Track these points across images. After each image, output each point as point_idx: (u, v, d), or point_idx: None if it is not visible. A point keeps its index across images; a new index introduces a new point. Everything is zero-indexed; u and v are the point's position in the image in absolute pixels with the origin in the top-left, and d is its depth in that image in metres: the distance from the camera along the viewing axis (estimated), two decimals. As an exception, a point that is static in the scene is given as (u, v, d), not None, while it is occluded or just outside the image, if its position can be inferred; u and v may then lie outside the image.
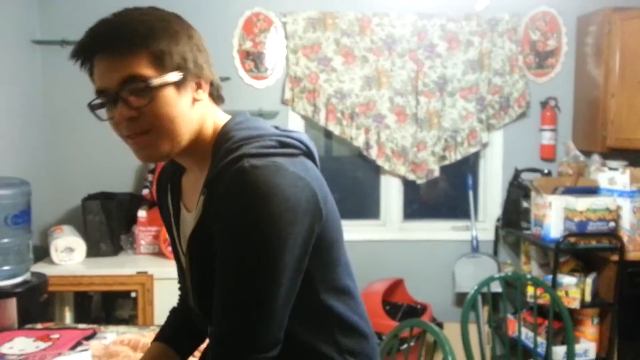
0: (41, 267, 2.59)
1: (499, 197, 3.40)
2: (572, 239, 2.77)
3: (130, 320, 2.87)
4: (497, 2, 3.24)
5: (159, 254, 2.84)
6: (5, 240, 2.17)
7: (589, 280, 2.82)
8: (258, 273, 0.84)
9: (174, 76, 0.91)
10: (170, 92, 0.91)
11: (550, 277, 2.81)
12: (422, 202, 3.56)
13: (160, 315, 2.59)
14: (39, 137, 3.10)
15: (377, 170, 3.42)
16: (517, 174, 3.25)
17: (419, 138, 3.29)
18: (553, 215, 2.85)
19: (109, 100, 0.91)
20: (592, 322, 2.88)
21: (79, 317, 2.81)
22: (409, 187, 3.44)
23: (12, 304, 2.09)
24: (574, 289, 2.77)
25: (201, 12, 3.18)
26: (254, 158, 0.87)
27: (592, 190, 2.94)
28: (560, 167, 3.26)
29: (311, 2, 3.20)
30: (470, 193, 3.41)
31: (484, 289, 2.25)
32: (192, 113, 0.95)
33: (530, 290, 2.75)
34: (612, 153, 3.15)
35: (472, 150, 3.35)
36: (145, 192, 3.00)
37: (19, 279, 2.20)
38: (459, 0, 3.23)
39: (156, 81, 0.89)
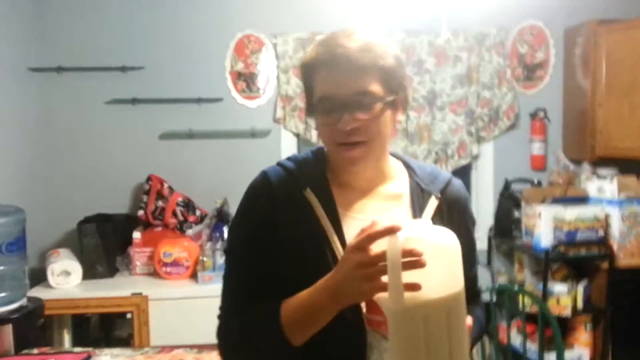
0: (38, 291, 2.63)
1: (491, 207, 3.43)
2: (562, 248, 2.79)
3: (129, 340, 2.90)
4: (484, 17, 3.30)
5: (154, 274, 2.88)
6: (1, 267, 2.21)
7: (580, 288, 2.85)
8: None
9: (393, 97, 1.02)
10: (388, 111, 1.03)
11: (541, 285, 2.84)
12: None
13: (156, 335, 2.62)
14: (35, 162, 3.15)
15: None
16: (507, 184, 3.28)
17: (410, 152, 3.33)
18: (543, 225, 2.87)
19: (339, 108, 0.99)
20: (585, 329, 2.90)
21: (77, 339, 2.84)
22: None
23: (8, 330, 2.13)
24: (565, 296, 2.80)
25: (194, 35, 3.25)
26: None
27: (582, 200, 2.97)
28: (550, 177, 3.30)
29: (301, 24, 3.26)
30: (463, 204, 3.44)
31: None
32: (390, 132, 1.07)
33: (521, 299, 2.77)
34: (602, 162, 3.18)
35: (463, 162, 3.39)
36: (141, 213, 3.05)
37: (15, 305, 2.23)
38: (446, 16, 3.27)
39: (387, 99, 1.01)
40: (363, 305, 0.98)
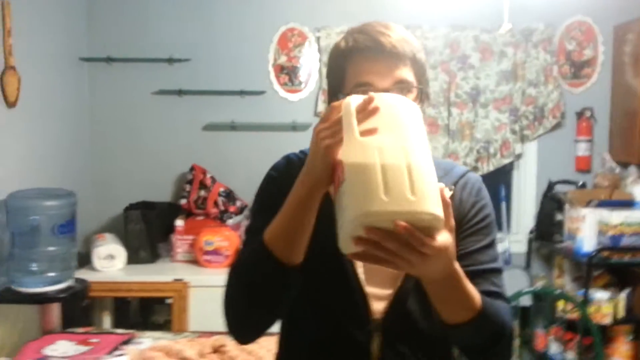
0: (83, 274, 2.72)
1: (533, 209, 3.37)
2: (605, 253, 2.73)
3: (165, 326, 2.98)
4: (531, 12, 3.23)
5: (195, 262, 2.95)
6: (52, 248, 2.31)
7: (623, 296, 2.78)
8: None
9: (424, 88, 1.06)
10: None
11: (582, 291, 2.77)
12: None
13: (195, 321, 2.69)
14: (86, 149, 3.28)
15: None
16: (551, 185, 3.21)
17: (450, 149, 3.30)
18: (586, 229, 2.81)
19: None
20: (625, 339, 2.83)
21: (117, 322, 2.93)
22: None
23: (56, 308, 2.24)
24: (606, 304, 2.73)
25: (237, 28, 3.30)
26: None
27: (628, 204, 2.88)
28: (595, 179, 3.21)
29: (344, 17, 3.26)
30: (503, 204, 3.39)
31: (513, 303, 2.25)
32: None
33: (560, 304, 2.72)
34: (650, 165, 3.08)
35: (505, 161, 3.33)
36: (183, 202, 3.13)
37: (63, 285, 2.33)
38: (492, 11, 3.21)
39: (422, 87, 1.05)
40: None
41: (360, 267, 1.07)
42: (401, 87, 1.01)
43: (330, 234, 1.05)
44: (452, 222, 0.85)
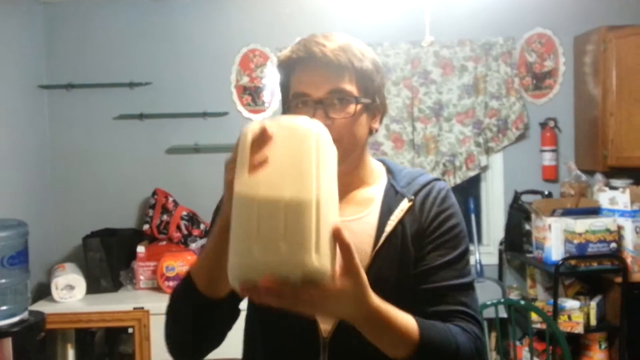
0: (42, 306, 2.65)
1: (502, 220, 3.35)
2: (572, 262, 2.71)
3: (135, 355, 2.89)
4: (490, 26, 3.26)
5: (157, 289, 2.87)
6: (2, 280, 2.23)
7: (594, 304, 2.75)
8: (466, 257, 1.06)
9: (368, 101, 1.04)
10: (364, 115, 1.04)
11: (551, 301, 2.75)
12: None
13: (158, 351, 2.61)
14: (46, 177, 3.21)
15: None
16: (517, 196, 3.21)
17: (416, 163, 3.29)
18: (553, 238, 2.80)
19: (312, 105, 1.00)
20: (599, 347, 2.80)
21: (81, 354, 2.84)
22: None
23: (7, 343, 2.15)
24: (577, 312, 2.70)
25: (199, 50, 3.28)
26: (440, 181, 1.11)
27: (593, 211, 2.88)
28: (562, 188, 3.21)
29: (304, 36, 3.26)
30: (473, 217, 3.37)
31: (491, 315, 2.21)
32: (366, 138, 1.07)
33: (533, 315, 2.68)
34: (615, 172, 3.09)
35: (471, 173, 3.32)
36: (146, 227, 3.06)
37: (16, 319, 2.25)
38: (451, 27, 3.25)
39: (362, 100, 1.02)
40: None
41: None
42: (338, 97, 1.00)
43: None
44: (356, 263, 0.78)
